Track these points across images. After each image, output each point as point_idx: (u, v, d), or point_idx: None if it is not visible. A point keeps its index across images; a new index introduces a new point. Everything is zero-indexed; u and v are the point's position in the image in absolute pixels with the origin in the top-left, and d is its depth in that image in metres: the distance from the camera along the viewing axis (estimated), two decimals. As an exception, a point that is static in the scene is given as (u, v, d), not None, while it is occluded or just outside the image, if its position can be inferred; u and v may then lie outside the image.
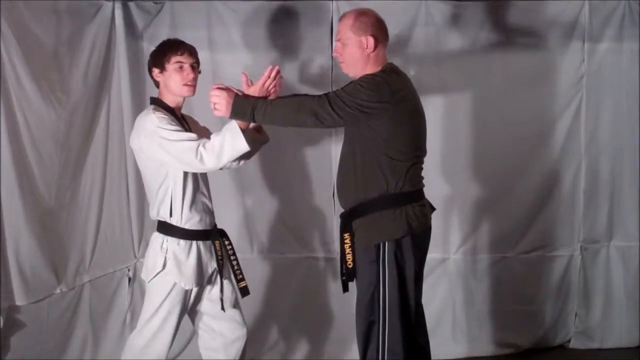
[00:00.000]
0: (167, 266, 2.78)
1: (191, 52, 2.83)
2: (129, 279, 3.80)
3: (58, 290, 3.32)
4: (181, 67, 2.79)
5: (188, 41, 2.87)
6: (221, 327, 2.97)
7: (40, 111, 3.14)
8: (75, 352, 3.47)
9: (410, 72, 3.53)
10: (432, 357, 2.93)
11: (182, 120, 2.89)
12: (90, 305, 3.56)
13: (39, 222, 3.15)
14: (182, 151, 2.67)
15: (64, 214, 3.36)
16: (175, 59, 2.79)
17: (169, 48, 2.81)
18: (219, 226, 3.01)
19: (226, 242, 2.98)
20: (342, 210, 2.83)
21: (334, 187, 3.76)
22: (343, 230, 2.77)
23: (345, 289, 2.85)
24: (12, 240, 3.02)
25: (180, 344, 3.62)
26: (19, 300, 3.07)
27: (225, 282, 2.96)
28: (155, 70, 2.83)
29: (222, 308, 2.92)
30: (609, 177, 4.00)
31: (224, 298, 2.94)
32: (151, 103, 2.89)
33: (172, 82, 2.80)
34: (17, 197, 3.01)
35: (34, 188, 3.14)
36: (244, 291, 3.01)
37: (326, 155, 3.87)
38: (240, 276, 3.00)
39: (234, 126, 2.67)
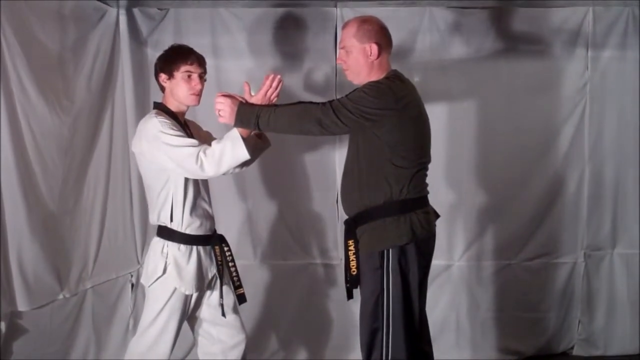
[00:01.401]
0: (168, 271, 2.77)
1: (200, 62, 2.83)
2: (132, 285, 3.80)
3: (61, 296, 3.32)
4: (190, 77, 2.79)
5: (193, 48, 2.86)
6: (220, 333, 2.96)
7: (44, 116, 3.14)
8: (78, 358, 3.46)
9: (415, 80, 3.53)
10: (436, 364, 2.93)
11: (184, 126, 2.88)
12: (93, 311, 3.55)
13: (42, 228, 3.15)
14: (183, 157, 2.66)
15: (67, 220, 3.36)
16: (184, 67, 2.78)
17: (180, 56, 2.80)
18: (222, 231, 3.00)
19: (225, 248, 2.97)
20: (346, 216, 2.84)
21: (337, 193, 3.77)
22: (347, 237, 2.78)
23: (350, 296, 2.86)
24: (14, 245, 3.01)
25: (183, 349, 3.62)
26: (22, 305, 3.06)
27: (225, 287, 2.95)
28: (163, 76, 2.82)
29: (223, 314, 2.92)
30: (612, 185, 3.99)
31: (225, 304, 2.93)
32: (154, 107, 2.88)
33: (180, 90, 2.80)
34: (20, 203, 3.01)
35: (37, 193, 3.14)
36: (241, 298, 3.00)
37: (330, 162, 3.87)
38: (238, 283, 2.99)
39: (235, 134, 2.67)
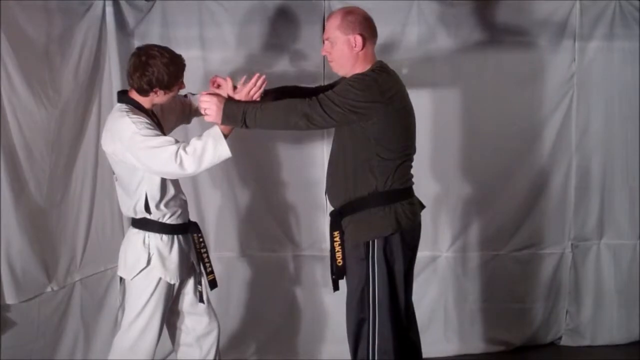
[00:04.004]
0: (152, 262, 2.76)
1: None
2: (120, 278, 3.78)
3: (49, 289, 3.32)
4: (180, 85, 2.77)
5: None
6: (193, 322, 2.98)
7: (31, 109, 3.14)
8: (66, 351, 3.47)
9: (402, 71, 3.54)
10: (424, 355, 2.94)
11: (153, 115, 2.82)
12: (81, 304, 3.55)
13: (30, 221, 3.15)
14: (162, 159, 2.59)
15: (55, 213, 3.35)
16: (181, 78, 2.74)
17: (182, 72, 2.73)
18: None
19: (199, 235, 2.97)
20: (332, 208, 2.84)
21: (324, 185, 3.77)
22: (333, 228, 2.79)
23: (336, 287, 2.86)
24: (2, 238, 3.02)
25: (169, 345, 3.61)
26: (10, 299, 3.07)
27: (203, 274, 2.97)
28: (159, 92, 2.71)
29: (202, 300, 2.94)
30: (599, 175, 4.01)
31: (202, 291, 2.95)
32: (120, 101, 2.78)
33: (168, 99, 2.77)
34: (7, 196, 3.01)
35: (25, 186, 3.14)
36: (213, 284, 3.01)
37: (317, 153, 3.86)
38: (210, 269, 2.99)
39: (217, 131, 2.65)
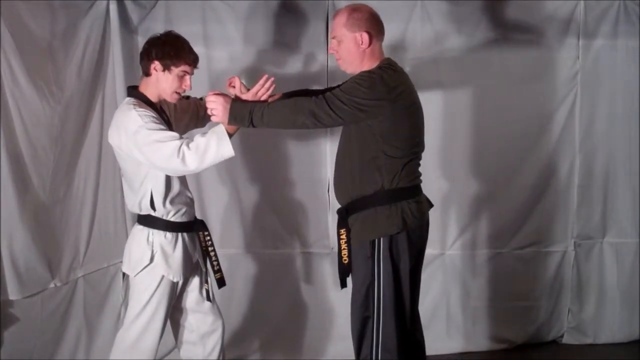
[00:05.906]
0: (155, 259, 2.75)
1: (197, 63, 2.77)
2: (123, 274, 3.78)
3: (52, 285, 3.32)
4: (183, 77, 2.73)
5: (183, 36, 2.83)
6: (198, 320, 2.97)
7: (35, 106, 3.13)
8: (69, 347, 3.47)
9: (407, 69, 3.53)
10: (427, 352, 2.94)
11: (161, 111, 2.81)
12: (84, 300, 3.55)
13: (33, 217, 3.15)
14: (165, 154, 2.58)
15: (58, 209, 3.35)
16: (184, 67, 2.70)
17: (185, 54, 2.70)
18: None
19: (205, 233, 2.95)
20: (339, 206, 2.84)
21: (328, 182, 3.77)
22: (339, 226, 2.78)
23: (343, 284, 2.86)
24: (6, 234, 3.01)
25: (163, 350, 3.59)
26: (13, 294, 3.07)
27: (210, 273, 2.96)
28: (157, 65, 2.70)
29: (209, 299, 2.94)
30: (603, 174, 4.02)
31: (209, 289, 2.95)
32: (129, 95, 2.78)
33: (168, 86, 2.72)
34: (11, 192, 3.01)
35: (28, 182, 3.14)
36: (221, 282, 3.01)
37: (320, 150, 3.86)
38: (218, 267, 2.98)
39: (221, 129, 2.63)
